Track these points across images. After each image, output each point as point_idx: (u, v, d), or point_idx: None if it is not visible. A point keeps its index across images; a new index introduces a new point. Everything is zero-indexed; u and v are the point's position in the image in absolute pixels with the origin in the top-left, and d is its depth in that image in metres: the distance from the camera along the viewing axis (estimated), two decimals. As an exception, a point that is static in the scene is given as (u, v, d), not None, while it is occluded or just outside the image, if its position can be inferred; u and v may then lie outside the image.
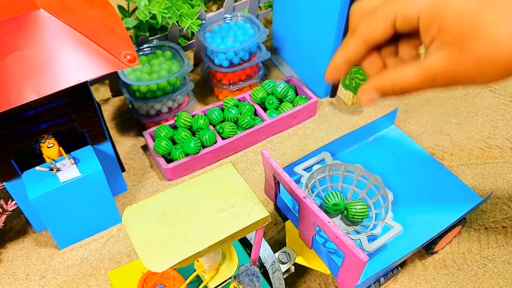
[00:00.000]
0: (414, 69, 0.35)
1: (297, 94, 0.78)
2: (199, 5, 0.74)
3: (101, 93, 0.82)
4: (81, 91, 0.51)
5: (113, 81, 0.79)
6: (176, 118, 0.71)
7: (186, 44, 0.82)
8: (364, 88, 0.37)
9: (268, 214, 0.36)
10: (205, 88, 0.83)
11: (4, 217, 0.59)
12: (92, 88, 0.82)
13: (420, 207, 0.55)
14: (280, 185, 0.51)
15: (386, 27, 0.35)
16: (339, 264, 0.46)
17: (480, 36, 0.32)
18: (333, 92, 0.80)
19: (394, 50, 0.38)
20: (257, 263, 0.45)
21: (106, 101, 0.81)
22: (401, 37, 0.37)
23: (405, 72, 0.35)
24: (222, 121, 0.72)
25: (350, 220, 0.52)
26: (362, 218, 0.52)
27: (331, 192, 0.53)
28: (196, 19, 0.72)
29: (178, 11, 0.70)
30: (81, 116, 0.53)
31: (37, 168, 0.54)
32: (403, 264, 0.56)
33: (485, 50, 0.32)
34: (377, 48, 0.37)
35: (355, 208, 0.51)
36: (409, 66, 0.35)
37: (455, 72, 0.33)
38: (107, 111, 0.79)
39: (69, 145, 0.58)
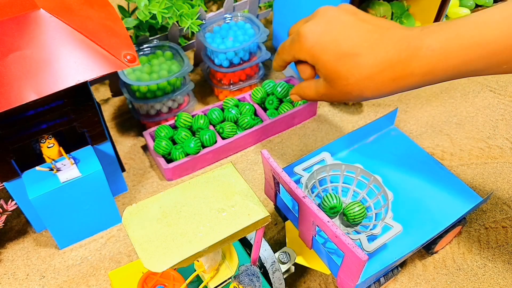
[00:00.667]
0: (312, 87, 0.54)
1: (297, 94, 0.78)
2: (199, 5, 0.74)
3: (101, 93, 0.82)
4: (81, 91, 0.51)
5: (113, 81, 0.79)
6: (176, 118, 0.71)
7: (186, 44, 0.82)
8: (291, 91, 0.59)
9: (268, 214, 0.36)
10: (205, 88, 0.83)
11: (4, 217, 0.59)
12: (92, 88, 0.82)
13: (420, 207, 0.55)
14: (280, 185, 0.51)
15: (290, 58, 0.55)
16: (339, 264, 0.46)
17: (338, 79, 0.50)
18: (333, 92, 0.80)
19: None
20: (257, 263, 0.45)
21: (106, 101, 0.81)
22: None
23: (308, 88, 0.55)
24: (222, 121, 0.72)
25: (351, 223, 0.52)
26: (361, 218, 0.52)
27: (329, 194, 0.53)
28: (196, 19, 0.72)
29: (178, 11, 0.70)
30: (81, 116, 0.54)
31: (37, 168, 0.54)
32: (403, 264, 0.56)
33: (342, 87, 0.50)
34: None
35: (354, 211, 0.51)
36: (312, 84, 0.55)
37: (330, 96, 0.53)
38: (107, 111, 0.79)
39: (69, 145, 0.58)
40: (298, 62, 0.56)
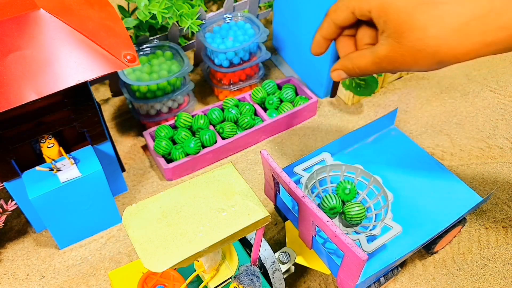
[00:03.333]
0: (368, 54, 0.44)
1: (297, 94, 0.78)
2: (199, 5, 0.74)
3: (101, 93, 0.82)
4: (81, 91, 0.51)
5: (113, 81, 0.79)
6: (176, 118, 0.71)
7: (186, 44, 0.82)
8: (334, 67, 0.47)
9: (268, 214, 0.36)
10: (205, 88, 0.83)
11: (4, 217, 0.59)
12: (92, 88, 0.82)
13: (420, 207, 0.55)
14: (280, 185, 0.51)
15: (347, 15, 0.44)
16: (339, 264, 0.46)
17: (412, 30, 0.39)
18: (333, 92, 0.80)
19: (370, 33, 0.45)
20: (257, 263, 0.45)
21: (106, 101, 0.81)
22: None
23: (362, 55, 0.44)
24: (222, 121, 0.72)
25: (351, 223, 0.52)
26: (360, 220, 0.52)
27: (328, 195, 0.53)
28: (196, 19, 0.72)
29: (178, 11, 0.70)
30: (81, 116, 0.54)
31: (37, 168, 0.54)
32: (403, 264, 0.56)
33: (416, 42, 0.39)
34: (353, 30, 0.46)
35: (354, 211, 0.51)
36: (365, 51, 0.44)
37: (395, 59, 0.42)
38: (107, 111, 0.79)
39: (69, 145, 0.58)
40: (343, 35, 0.47)
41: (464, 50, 0.40)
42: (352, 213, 0.51)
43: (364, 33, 0.46)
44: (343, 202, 0.54)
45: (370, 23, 0.44)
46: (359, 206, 0.51)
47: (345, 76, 0.47)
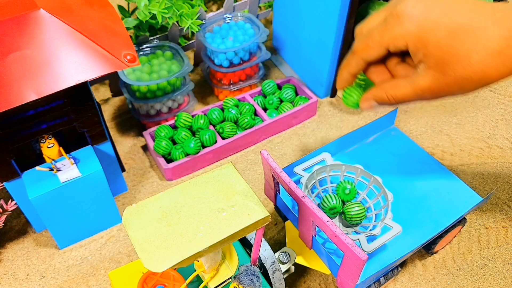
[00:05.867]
0: (406, 85, 0.43)
1: (297, 94, 0.78)
2: (199, 5, 0.74)
3: (101, 93, 0.82)
4: (81, 91, 0.51)
5: (113, 81, 0.79)
6: (176, 118, 0.71)
7: (186, 44, 0.82)
8: (365, 97, 0.47)
9: (268, 214, 0.36)
10: (205, 88, 0.83)
11: (4, 217, 0.59)
12: (92, 88, 0.82)
13: (420, 207, 0.55)
14: (280, 185, 0.51)
15: (380, 52, 0.44)
16: (339, 264, 0.46)
17: (456, 61, 0.40)
18: (333, 92, 0.80)
19: (399, 59, 0.45)
20: (257, 263, 0.45)
21: (106, 101, 0.81)
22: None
23: (398, 86, 0.44)
24: (222, 121, 0.72)
25: (349, 222, 0.52)
26: (360, 220, 0.52)
27: (328, 195, 0.53)
28: (196, 19, 0.72)
29: (178, 11, 0.70)
30: (81, 116, 0.54)
31: (37, 168, 0.54)
32: (403, 264, 0.56)
33: (461, 71, 0.40)
34: (383, 59, 0.45)
35: (353, 211, 0.51)
36: (402, 81, 0.44)
37: (439, 89, 0.42)
38: (107, 111, 0.79)
39: (69, 145, 0.58)
40: (369, 64, 0.47)
41: (509, 71, 0.40)
42: (352, 213, 0.51)
43: (394, 61, 0.45)
44: (343, 202, 0.54)
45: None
46: (359, 206, 0.51)
47: (376, 106, 0.47)
